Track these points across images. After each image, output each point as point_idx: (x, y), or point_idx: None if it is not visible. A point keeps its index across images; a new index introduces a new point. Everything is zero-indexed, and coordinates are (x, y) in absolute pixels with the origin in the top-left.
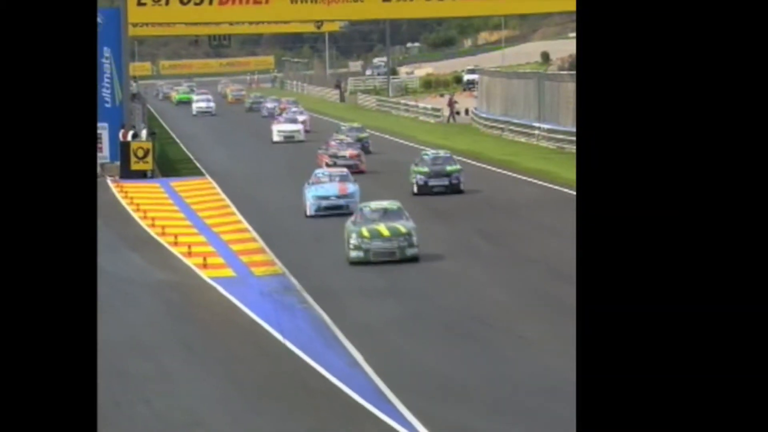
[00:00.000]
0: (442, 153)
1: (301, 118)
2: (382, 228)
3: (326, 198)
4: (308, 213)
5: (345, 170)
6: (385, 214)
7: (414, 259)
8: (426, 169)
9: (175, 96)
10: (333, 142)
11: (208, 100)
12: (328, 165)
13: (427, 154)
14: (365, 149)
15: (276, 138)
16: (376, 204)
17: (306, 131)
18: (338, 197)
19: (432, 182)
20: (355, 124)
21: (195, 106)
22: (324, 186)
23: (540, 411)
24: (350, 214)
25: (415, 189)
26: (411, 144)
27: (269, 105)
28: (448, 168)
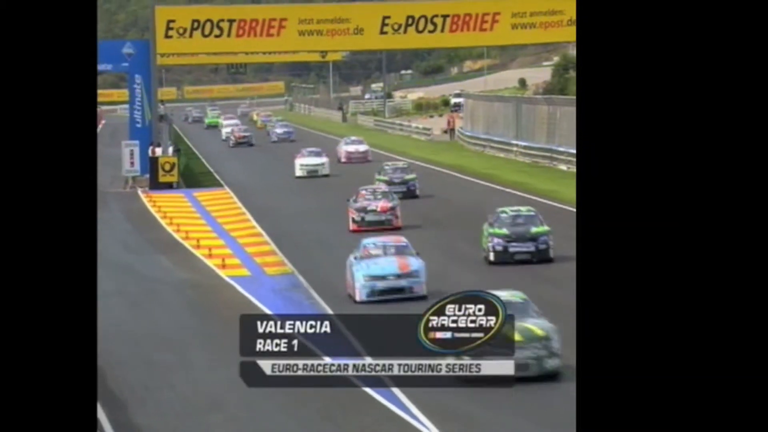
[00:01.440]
0: (524, 210)
1: (362, 148)
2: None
3: (382, 278)
4: (358, 298)
5: (403, 240)
6: (509, 307)
7: (554, 375)
8: (505, 231)
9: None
10: (363, 191)
11: (238, 125)
12: (354, 222)
13: (505, 212)
14: (411, 193)
15: (299, 173)
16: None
17: (367, 160)
18: (398, 276)
19: (513, 247)
20: (401, 164)
21: (224, 131)
22: (378, 262)
23: (529, 401)
24: (414, 298)
25: (492, 256)
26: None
27: (278, 130)
28: (534, 229)
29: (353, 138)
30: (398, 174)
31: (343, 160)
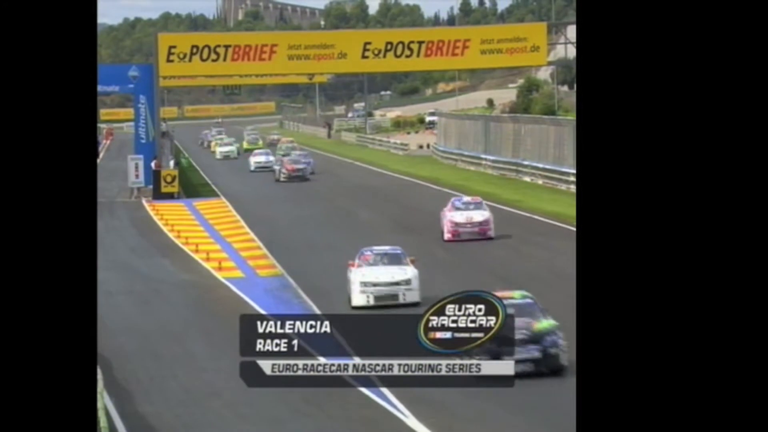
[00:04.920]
0: (517, 296)
1: (478, 216)
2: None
3: None
4: None
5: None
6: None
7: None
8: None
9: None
10: None
11: (267, 154)
12: None
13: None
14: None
15: (357, 301)
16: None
17: (488, 237)
18: None
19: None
20: (518, 296)
21: (253, 160)
22: None
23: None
24: None
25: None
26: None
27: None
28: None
29: (465, 199)
30: (529, 314)
31: (447, 236)
